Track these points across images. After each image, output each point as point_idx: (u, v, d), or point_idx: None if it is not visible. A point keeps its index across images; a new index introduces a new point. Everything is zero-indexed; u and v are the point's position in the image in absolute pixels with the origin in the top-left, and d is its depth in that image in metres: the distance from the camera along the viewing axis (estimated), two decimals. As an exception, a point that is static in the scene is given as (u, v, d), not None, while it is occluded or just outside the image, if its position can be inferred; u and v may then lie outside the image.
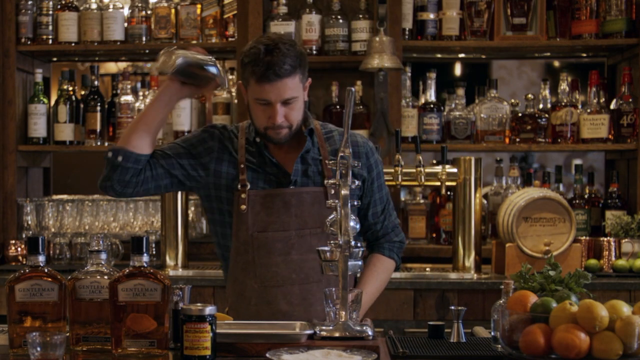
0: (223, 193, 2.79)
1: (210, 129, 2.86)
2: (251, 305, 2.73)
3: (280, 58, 2.64)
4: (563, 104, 4.24)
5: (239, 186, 2.75)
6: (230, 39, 4.26)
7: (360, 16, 4.19)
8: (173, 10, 4.30)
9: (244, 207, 2.74)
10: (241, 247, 2.77)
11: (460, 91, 4.31)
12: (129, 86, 4.35)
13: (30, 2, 4.31)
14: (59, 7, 4.32)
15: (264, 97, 2.68)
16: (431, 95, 4.31)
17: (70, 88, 4.36)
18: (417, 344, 2.42)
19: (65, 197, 4.46)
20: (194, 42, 4.28)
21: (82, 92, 4.43)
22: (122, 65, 5.82)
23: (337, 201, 2.39)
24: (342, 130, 2.82)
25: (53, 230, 4.25)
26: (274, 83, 2.65)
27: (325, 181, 2.59)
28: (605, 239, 3.95)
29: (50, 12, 4.32)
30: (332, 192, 2.74)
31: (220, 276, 3.46)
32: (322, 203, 2.73)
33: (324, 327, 2.33)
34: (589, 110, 4.20)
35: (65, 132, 4.32)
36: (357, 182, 2.42)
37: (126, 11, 4.36)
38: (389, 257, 2.91)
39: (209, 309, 2.18)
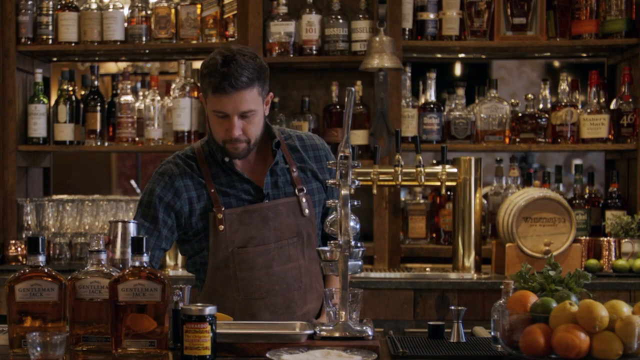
0: (196, 222, 2.78)
1: (164, 172, 2.79)
2: (235, 317, 2.69)
3: (237, 70, 2.61)
4: (563, 104, 4.24)
5: (214, 209, 2.75)
6: (230, 39, 4.26)
7: (360, 16, 4.19)
8: (173, 10, 4.30)
9: (221, 227, 2.74)
10: (220, 264, 2.77)
11: (460, 91, 4.31)
12: (129, 86, 4.34)
13: (30, 2, 4.31)
14: (59, 7, 4.32)
15: (220, 109, 2.65)
16: (431, 95, 4.31)
17: (70, 88, 4.36)
18: (417, 344, 2.42)
19: (65, 197, 4.45)
20: (194, 42, 4.28)
21: (82, 92, 4.43)
22: (122, 65, 5.82)
23: (337, 201, 2.39)
24: (299, 133, 2.88)
25: (53, 230, 4.25)
26: (231, 95, 2.62)
27: (328, 182, 2.57)
28: (605, 239, 3.95)
29: (50, 12, 4.32)
30: (304, 200, 2.77)
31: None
32: (296, 213, 2.77)
33: (324, 327, 2.33)
34: (589, 110, 4.20)
35: (65, 132, 4.32)
36: (357, 182, 2.43)
37: (126, 11, 4.36)
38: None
39: (209, 309, 2.18)
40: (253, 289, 2.75)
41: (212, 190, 2.75)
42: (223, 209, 2.74)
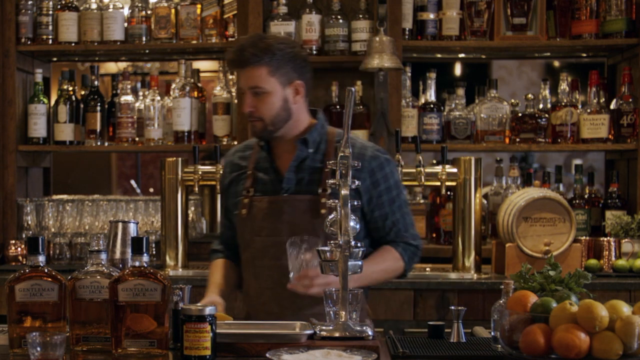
0: (232, 204, 2.93)
1: (225, 162, 3.04)
2: (252, 302, 2.85)
3: (248, 45, 2.76)
4: (563, 104, 4.24)
5: (243, 192, 2.87)
6: (230, 39, 4.26)
7: (360, 16, 4.19)
8: (173, 10, 4.30)
9: (244, 211, 2.85)
10: (244, 247, 2.89)
11: (460, 91, 4.31)
12: (129, 86, 4.34)
13: (30, 2, 4.31)
14: (59, 7, 4.32)
15: (238, 84, 2.82)
16: (431, 95, 4.31)
17: (70, 88, 4.36)
18: (417, 344, 2.42)
19: (65, 197, 4.46)
20: (194, 42, 4.28)
21: (82, 92, 4.43)
22: (122, 65, 5.83)
23: (337, 201, 2.39)
24: (362, 142, 2.91)
25: (53, 230, 4.25)
26: (241, 70, 2.79)
27: (328, 182, 2.57)
28: (605, 239, 3.95)
29: (50, 12, 4.32)
30: (323, 200, 2.77)
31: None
32: (315, 211, 2.78)
33: (324, 327, 2.33)
34: (589, 110, 4.20)
35: (65, 132, 4.32)
36: (357, 182, 2.43)
37: (126, 11, 4.36)
38: (400, 254, 2.88)
39: (209, 309, 2.18)
40: (264, 278, 2.82)
41: (249, 172, 2.89)
42: (251, 193, 2.85)
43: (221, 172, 3.06)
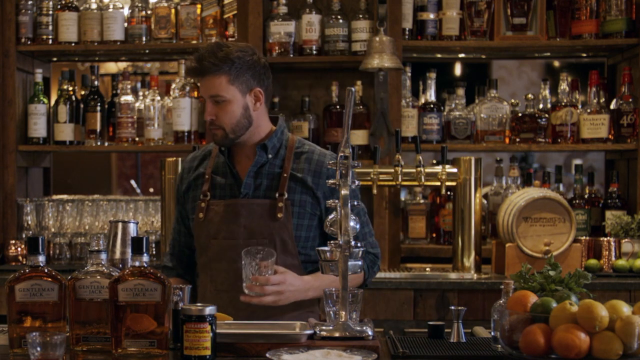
0: (190, 205, 2.95)
1: (180, 169, 3.08)
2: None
3: (207, 54, 2.79)
4: (563, 104, 4.24)
5: (201, 195, 2.89)
6: (230, 39, 4.26)
7: (360, 16, 4.19)
8: (173, 10, 4.30)
9: (201, 215, 2.86)
10: (200, 250, 2.90)
11: (460, 91, 4.31)
12: (129, 86, 4.34)
13: (30, 2, 4.31)
14: (59, 7, 4.32)
15: (200, 90, 2.85)
16: (431, 95, 4.31)
17: (70, 88, 4.36)
18: (417, 344, 2.42)
19: (65, 197, 4.45)
20: (194, 42, 4.28)
21: (82, 92, 4.42)
22: (122, 65, 5.83)
23: (337, 201, 2.39)
24: (314, 148, 2.92)
25: (53, 230, 4.25)
26: (202, 79, 2.83)
27: (328, 183, 2.57)
28: (605, 239, 3.95)
29: (50, 12, 4.32)
30: (280, 204, 2.80)
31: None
32: (270, 215, 2.81)
33: (324, 327, 2.33)
34: (589, 110, 4.20)
35: (65, 132, 4.32)
36: (357, 182, 2.43)
37: (126, 11, 4.36)
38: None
39: (209, 309, 2.18)
40: (220, 281, 2.84)
41: (207, 176, 2.90)
42: (209, 198, 2.87)
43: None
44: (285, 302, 2.69)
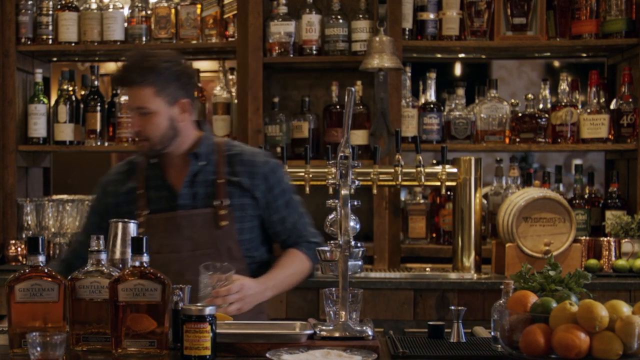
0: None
1: (102, 182, 2.99)
2: None
3: (133, 65, 2.76)
4: (563, 104, 4.24)
5: (137, 211, 2.85)
6: (230, 39, 4.26)
7: (360, 16, 4.19)
8: (173, 10, 4.30)
9: (141, 230, 2.80)
10: None
11: (460, 91, 4.31)
12: (129, 86, 4.34)
13: (30, 2, 4.31)
14: (59, 7, 4.32)
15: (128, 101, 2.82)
16: (431, 95, 4.31)
17: (70, 88, 4.36)
18: (417, 344, 2.42)
19: (65, 197, 4.45)
20: (194, 42, 4.28)
21: (82, 92, 4.42)
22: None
23: (337, 201, 2.39)
24: (245, 148, 2.93)
25: (53, 230, 4.24)
26: (128, 90, 2.82)
27: (328, 182, 2.57)
28: (605, 239, 3.95)
29: (50, 12, 4.31)
30: (221, 212, 2.79)
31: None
32: (212, 224, 2.80)
33: (324, 327, 2.33)
34: (589, 110, 4.20)
35: (65, 132, 4.32)
36: (357, 182, 2.43)
37: (126, 11, 4.36)
38: (305, 254, 2.90)
39: (209, 309, 2.18)
40: None
41: (140, 192, 2.86)
42: (145, 212, 2.84)
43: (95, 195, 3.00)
44: (249, 307, 2.69)
